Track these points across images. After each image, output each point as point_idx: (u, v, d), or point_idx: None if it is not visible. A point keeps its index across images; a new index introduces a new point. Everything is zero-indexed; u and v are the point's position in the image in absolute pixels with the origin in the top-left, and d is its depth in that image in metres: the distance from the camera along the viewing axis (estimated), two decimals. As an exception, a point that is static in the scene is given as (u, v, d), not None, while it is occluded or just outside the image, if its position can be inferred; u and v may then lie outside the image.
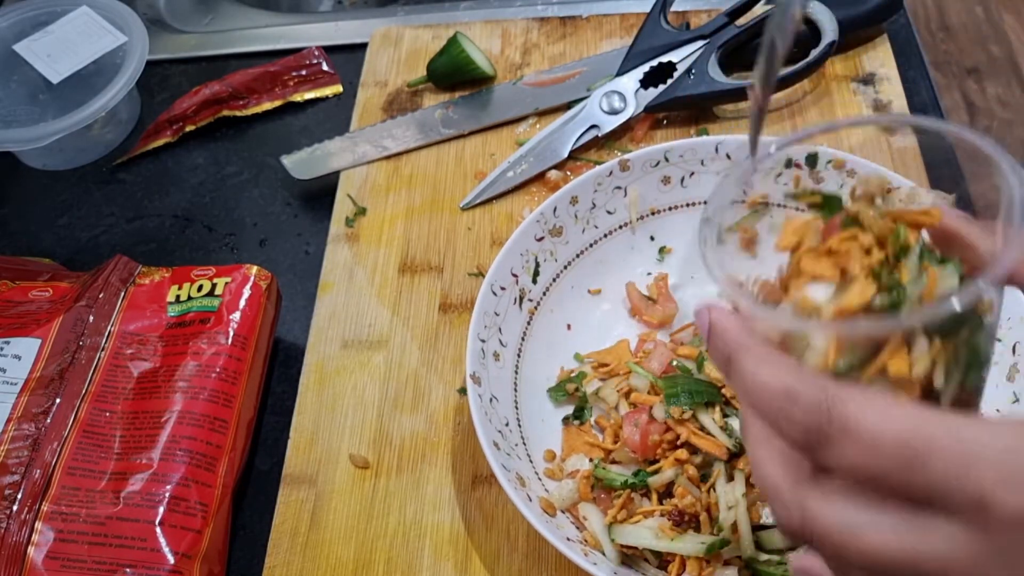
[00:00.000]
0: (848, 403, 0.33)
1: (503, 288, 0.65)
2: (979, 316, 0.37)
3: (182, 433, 0.62)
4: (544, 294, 0.68)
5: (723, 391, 0.60)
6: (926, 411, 0.32)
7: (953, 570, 0.32)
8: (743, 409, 0.38)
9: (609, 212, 0.70)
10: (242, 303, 0.68)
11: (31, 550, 0.58)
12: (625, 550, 0.57)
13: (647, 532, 0.56)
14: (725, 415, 0.59)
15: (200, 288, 0.69)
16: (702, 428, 0.58)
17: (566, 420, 0.65)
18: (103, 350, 0.66)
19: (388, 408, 0.68)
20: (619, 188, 0.69)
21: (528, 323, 0.67)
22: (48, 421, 0.62)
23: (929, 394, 0.37)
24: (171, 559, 0.58)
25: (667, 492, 0.59)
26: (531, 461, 0.62)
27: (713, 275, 0.38)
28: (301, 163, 0.83)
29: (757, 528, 0.56)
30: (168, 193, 0.86)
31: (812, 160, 0.61)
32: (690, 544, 0.55)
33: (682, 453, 0.58)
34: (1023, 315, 0.58)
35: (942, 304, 0.34)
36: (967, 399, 0.39)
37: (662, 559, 0.57)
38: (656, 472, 0.59)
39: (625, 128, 0.81)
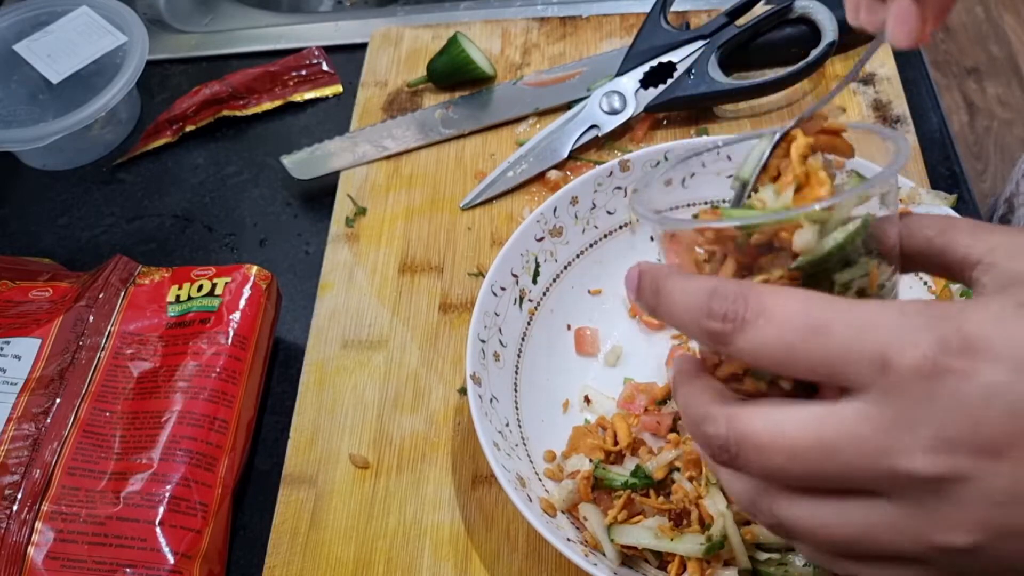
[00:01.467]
0: (762, 290, 0.36)
1: (503, 288, 0.65)
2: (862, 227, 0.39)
3: (182, 433, 0.62)
4: (544, 294, 0.68)
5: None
6: (833, 296, 0.35)
7: (863, 441, 0.33)
8: (674, 372, 0.41)
9: (609, 212, 0.70)
10: (242, 303, 0.68)
11: (31, 550, 0.58)
12: (625, 550, 0.57)
13: (647, 532, 0.56)
14: None
15: (200, 288, 0.69)
16: None
17: None
18: (103, 350, 0.66)
19: (388, 408, 0.68)
20: (619, 188, 0.69)
21: (528, 323, 0.67)
22: (48, 421, 0.62)
23: None
24: (171, 559, 0.58)
25: (667, 492, 0.59)
26: (531, 461, 0.62)
27: (634, 208, 0.42)
28: (301, 163, 0.83)
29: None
30: (168, 193, 0.86)
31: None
32: (690, 544, 0.55)
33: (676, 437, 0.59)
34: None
35: (830, 200, 0.38)
36: None
37: (662, 559, 0.57)
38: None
39: (625, 128, 0.81)
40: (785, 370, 0.35)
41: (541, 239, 0.68)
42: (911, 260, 0.41)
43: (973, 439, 0.32)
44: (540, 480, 0.61)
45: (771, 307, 0.35)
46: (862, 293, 0.39)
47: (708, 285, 0.37)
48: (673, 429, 0.61)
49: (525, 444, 0.62)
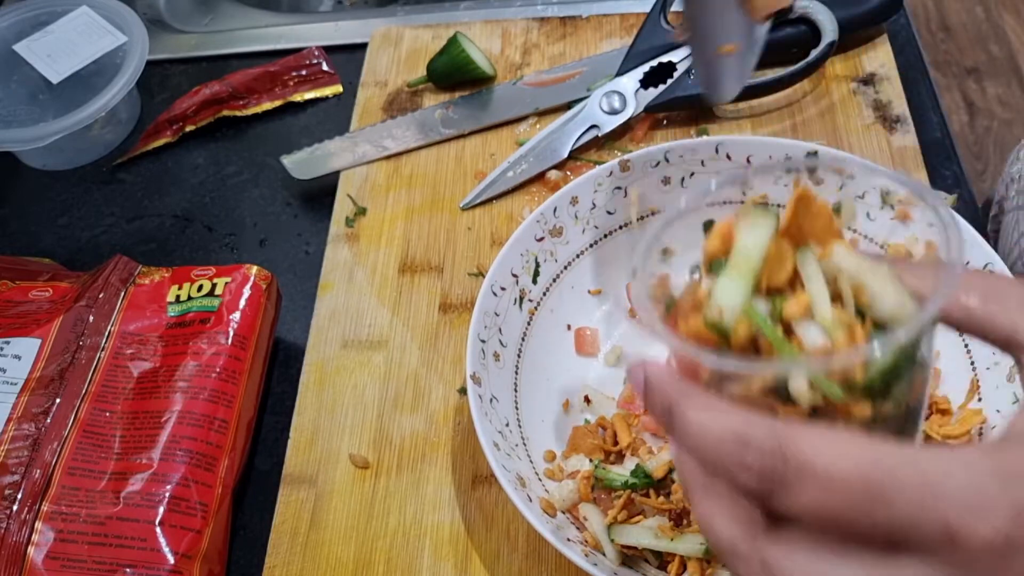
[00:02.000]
0: (802, 442, 0.31)
1: (503, 288, 0.65)
2: (914, 351, 0.36)
3: (182, 433, 0.62)
4: (544, 294, 0.68)
5: None
6: (883, 444, 0.31)
7: None
8: (682, 467, 0.37)
9: (609, 212, 0.70)
10: (242, 303, 0.68)
11: (31, 550, 0.58)
12: (625, 550, 0.57)
13: (647, 532, 0.56)
14: None
15: (200, 288, 0.69)
16: None
17: None
18: (103, 350, 0.66)
19: (388, 408, 0.68)
20: (619, 188, 0.69)
21: (528, 323, 0.67)
22: (48, 421, 0.62)
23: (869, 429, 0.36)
24: (171, 559, 0.58)
25: (667, 492, 0.59)
26: (531, 461, 0.62)
27: (644, 319, 0.37)
28: (301, 163, 0.83)
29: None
30: (168, 193, 0.86)
31: (812, 165, 0.61)
32: (690, 544, 0.55)
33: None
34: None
35: (882, 342, 0.34)
36: (907, 431, 0.38)
37: (662, 559, 0.57)
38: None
39: (625, 128, 0.81)
40: (834, 530, 0.31)
41: (541, 239, 0.68)
42: (946, 323, 0.38)
43: None
44: (540, 480, 0.61)
45: (816, 466, 0.31)
46: (905, 390, 0.36)
47: (736, 429, 0.32)
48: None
49: (525, 444, 0.62)
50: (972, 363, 0.60)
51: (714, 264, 0.38)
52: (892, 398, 0.35)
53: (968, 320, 0.37)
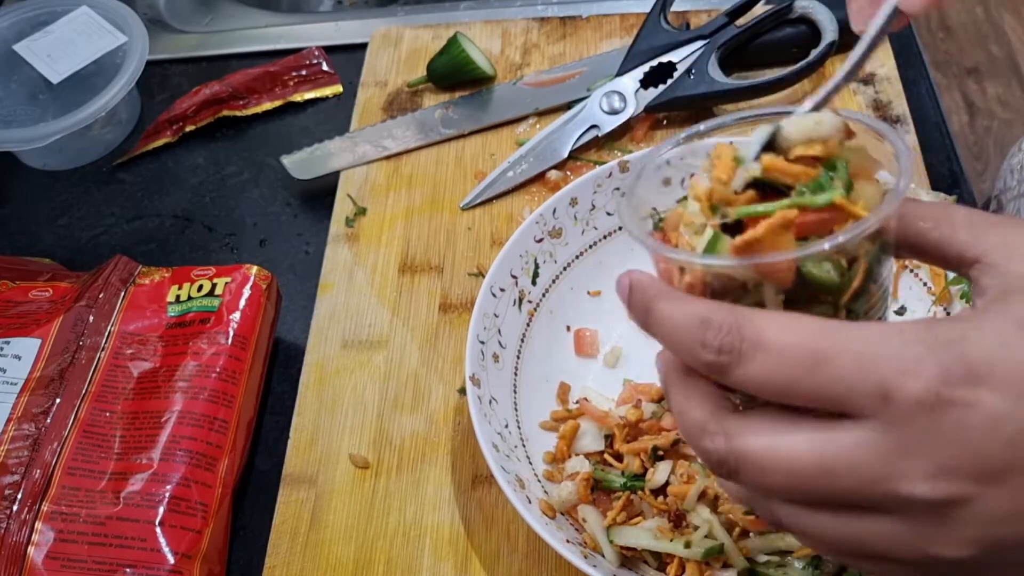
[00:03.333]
0: (757, 320, 0.34)
1: (502, 290, 0.65)
2: (870, 266, 0.38)
3: (182, 433, 0.62)
4: (544, 296, 0.68)
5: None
6: (829, 320, 0.34)
7: (864, 467, 0.33)
8: (662, 364, 0.40)
9: (609, 214, 0.70)
10: (242, 303, 0.68)
11: (31, 550, 0.58)
12: (624, 552, 0.57)
13: (646, 533, 0.56)
14: None
15: (200, 288, 0.69)
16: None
17: None
18: (103, 350, 0.66)
19: (388, 408, 0.68)
20: (619, 189, 0.69)
21: (527, 325, 0.67)
22: (48, 421, 0.62)
23: None
24: (171, 559, 0.59)
25: (666, 493, 0.59)
26: (530, 463, 0.62)
27: (624, 223, 0.41)
28: (301, 163, 0.83)
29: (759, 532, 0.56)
30: (168, 193, 0.86)
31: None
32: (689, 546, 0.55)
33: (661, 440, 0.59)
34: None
35: (827, 241, 0.36)
36: None
37: (661, 560, 0.57)
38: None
39: (625, 128, 0.81)
40: (785, 400, 0.34)
41: (540, 240, 0.68)
42: (904, 249, 0.41)
43: (974, 466, 0.32)
44: (539, 481, 0.61)
45: (768, 339, 0.34)
46: (858, 296, 0.39)
47: (699, 312, 0.36)
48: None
49: (524, 445, 0.62)
50: None
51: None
52: (854, 306, 0.38)
53: (922, 243, 0.39)
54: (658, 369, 0.41)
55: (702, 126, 0.45)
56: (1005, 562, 0.33)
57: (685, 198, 0.42)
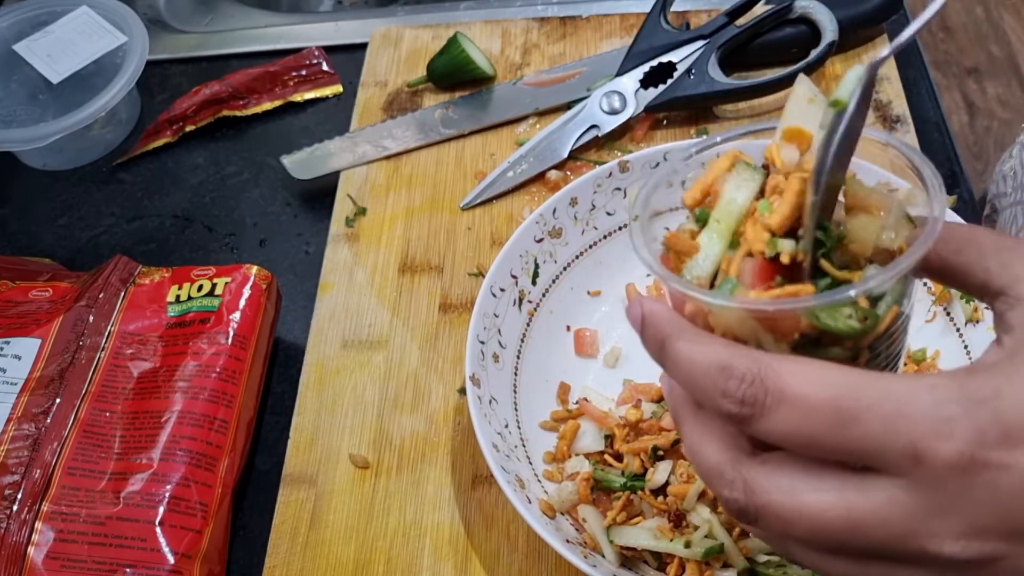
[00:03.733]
0: (781, 371, 0.33)
1: (502, 290, 0.65)
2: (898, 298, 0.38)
3: (182, 433, 0.62)
4: (544, 296, 0.68)
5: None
6: (855, 372, 0.33)
7: (893, 525, 0.32)
8: (673, 398, 0.39)
9: (609, 213, 0.70)
10: (242, 303, 0.68)
11: (31, 550, 0.58)
12: (624, 552, 0.57)
13: (645, 533, 0.56)
14: None
15: (200, 288, 0.69)
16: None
17: None
18: (103, 350, 0.66)
19: (388, 408, 0.68)
20: (619, 189, 0.69)
21: (527, 325, 0.67)
22: (48, 421, 0.62)
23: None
24: (171, 559, 0.59)
25: (666, 493, 0.59)
26: (530, 463, 0.62)
27: (640, 255, 0.39)
28: (301, 163, 0.83)
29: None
30: (168, 193, 0.86)
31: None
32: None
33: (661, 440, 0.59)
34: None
35: (861, 286, 0.35)
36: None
37: (661, 560, 0.57)
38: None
39: (625, 128, 0.81)
40: (810, 454, 0.33)
41: (540, 240, 0.68)
42: (922, 271, 0.39)
43: (1006, 526, 0.31)
44: (539, 482, 0.61)
45: (793, 392, 0.32)
46: (881, 336, 0.37)
47: (719, 358, 0.34)
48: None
49: (524, 446, 0.62)
50: (970, 360, 0.60)
51: (699, 213, 0.40)
52: (876, 345, 0.37)
53: (944, 267, 0.38)
54: (665, 393, 0.39)
55: (718, 138, 0.43)
56: None
57: (698, 220, 0.40)
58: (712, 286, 0.38)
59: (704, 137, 0.44)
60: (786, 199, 0.37)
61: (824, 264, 0.36)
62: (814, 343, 0.36)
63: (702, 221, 0.40)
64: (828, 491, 0.33)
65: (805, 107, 0.39)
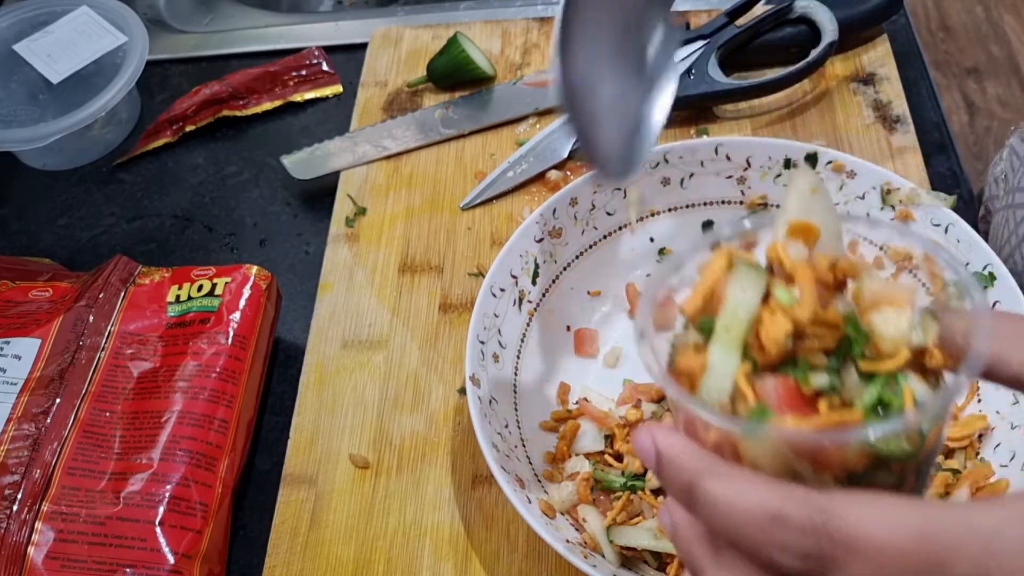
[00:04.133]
0: (848, 516, 0.30)
1: (502, 290, 0.65)
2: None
3: (182, 433, 0.62)
4: (544, 295, 0.68)
5: None
6: (930, 507, 0.30)
7: None
8: (682, 537, 0.34)
9: (609, 213, 0.70)
10: (242, 303, 0.68)
11: (31, 550, 0.58)
12: (624, 552, 0.57)
13: (646, 533, 0.57)
14: None
15: (200, 288, 0.69)
16: None
17: None
18: (103, 350, 0.66)
19: (388, 408, 0.68)
20: (619, 189, 0.69)
21: (528, 325, 0.67)
22: (48, 421, 0.62)
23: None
24: (171, 559, 0.59)
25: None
26: (531, 463, 0.62)
27: (654, 374, 0.35)
28: (301, 163, 0.83)
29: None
30: (168, 193, 0.86)
31: (812, 160, 0.60)
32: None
33: None
34: None
35: (913, 414, 0.32)
36: (928, 471, 0.37)
37: (661, 560, 0.57)
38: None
39: (625, 128, 0.81)
40: None
41: (540, 240, 0.68)
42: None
43: None
44: (539, 482, 0.61)
45: (867, 541, 0.29)
46: (930, 454, 0.35)
47: (770, 505, 0.30)
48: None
49: (524, 445, 0.62)
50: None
51: (702, 323, 0.36)
52: (922, 466, 0.35)
53: (998, 373, 0.36)
54: (666, 529, 0.35)
55: (725, 231, 0.38)
56: None
57: (702, 331, 0.36)
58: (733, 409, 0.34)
59: (707, 234, 0.40)
60: (805, 290, 0.34)
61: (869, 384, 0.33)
62: (860, 472, 0.33)
63: (706, 332, 0.35)
64: None
65: (809, 198, 0.37)
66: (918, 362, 0.34)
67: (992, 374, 0.35)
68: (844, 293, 0.35)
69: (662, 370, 0.36)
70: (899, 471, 0.34)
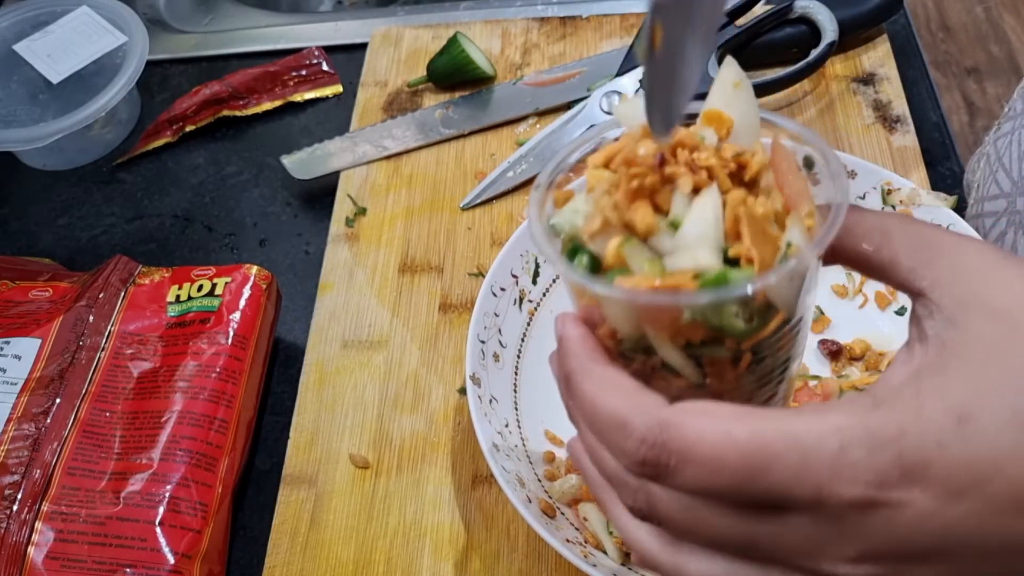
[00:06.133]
0: (684, 428, 0.33)
1: (503, 289, 0.65)
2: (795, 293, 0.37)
3: (182, 433, 0.62)
4: (544, 295, 0.68)
5: None
6: (760, 419, 0.33)
7: (793, 547, 0.33)
8: (580, 454, 0.39)
9: (609, 212, 0.70)
10: (242, 303, 0.68)
11: (31, 550, 0.58)
12: (626, 548, 0.57)
13: (647, 532, 0.56)
14: None
15: (200, 288, 0.69)
16: None
17: None
18: (103, 350, 0.66)
19: (388, 408, 0.68)
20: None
21: (528, 324, 0.67)
22: (48, 421, 0.62)
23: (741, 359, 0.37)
24: (171, 559, 0.59)
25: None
26: (531, 463, 0.62)
27: (535, 241, 0.38)
28: (301, 163, 0.83)
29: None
30: (168, 193, 0.86)
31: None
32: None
33: None
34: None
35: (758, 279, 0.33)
36: (781, 375, 0.39)
37: (662, 559, 0.57)
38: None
39: (625, 128, 0.81)
40: (716, 502, 0.34)
41: (541, 239, 0.68)
42: (846, 264, 0.38)
43: (897, 553, 0.33)
44: (540, 481, 0.61)
45: (697, 453, 0.33)
46: (766, 341, 0.36)
47: (619, 413, 0.34)
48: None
49: (524, 445, 0.62)
50: None
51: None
52: (760, 349, 0.36)
53: (864, 262, 0.37)
54: (552, 364, 0.39)
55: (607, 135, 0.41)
56: None
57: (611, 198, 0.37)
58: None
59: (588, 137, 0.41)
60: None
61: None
62: (697, 342, 0.35)
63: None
64: (738, 526, 0.34)
65: (730, 91, 0.37)
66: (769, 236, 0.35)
67: (881, 277, 0.37)
68: (755, 189, 0.36)
69: (544, 235, 0.38)
70: (734, 348, 0.35)
